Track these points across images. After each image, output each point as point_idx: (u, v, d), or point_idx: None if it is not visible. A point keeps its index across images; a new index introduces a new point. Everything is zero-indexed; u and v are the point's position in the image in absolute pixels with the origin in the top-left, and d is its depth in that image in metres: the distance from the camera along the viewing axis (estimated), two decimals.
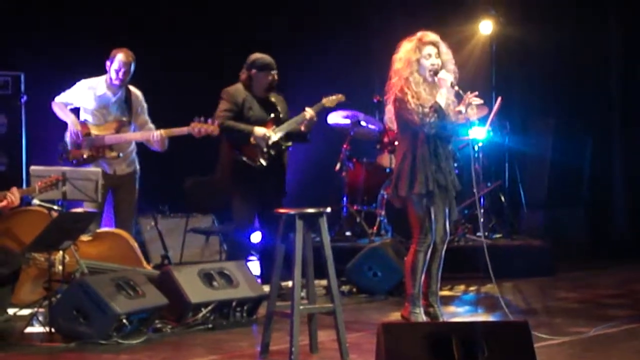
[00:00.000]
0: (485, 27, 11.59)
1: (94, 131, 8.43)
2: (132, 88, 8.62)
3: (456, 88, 6.87)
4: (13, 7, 10.01)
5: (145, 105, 8.67)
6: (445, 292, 8.62)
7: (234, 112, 8.34)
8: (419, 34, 6.96)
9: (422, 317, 6.87)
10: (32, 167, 7.70)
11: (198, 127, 8.21)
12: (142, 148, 8.81)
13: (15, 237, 7.55)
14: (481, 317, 7.83)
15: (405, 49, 6.93)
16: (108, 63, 8.44)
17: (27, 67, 9.75)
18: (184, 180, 9.58)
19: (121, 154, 8.44)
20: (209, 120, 8.22)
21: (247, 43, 9.25)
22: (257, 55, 8.44)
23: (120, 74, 8.42)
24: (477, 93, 6.90)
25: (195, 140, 8.30)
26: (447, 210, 7.00)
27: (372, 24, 11.93)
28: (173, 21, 11.10)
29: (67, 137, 8.42)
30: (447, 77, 6.85)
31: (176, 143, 10.29)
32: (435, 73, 6.87)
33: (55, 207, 7.55)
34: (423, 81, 6.88)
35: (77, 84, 8.54)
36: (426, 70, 6.88)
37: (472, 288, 9.14)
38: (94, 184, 7.66)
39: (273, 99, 8.51)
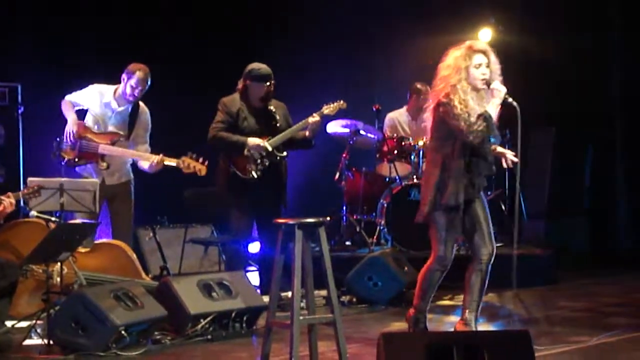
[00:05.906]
0: (485, 35, 11.58)
1: (91, 137, 8.39)
2: (142, 105, 8.58)
3: (510, 100, 6.60)
4: (9, 18, 9.99)
5: (149, 125, 8.61)
6: (445, 302, 8.60)
7: (227, 124, 8.26)
8: (469, 42, 6.67)
9: (424, 321, 6.79)
10: (30, 179, 7.69)
11: (187, 162, 8.21)
12: None
13: (13, 248, 7.54)
14: (482, 326, 7.78)
15: (454, 55, 6.59)
16: (124, 77, 8.37)
17: (24, 78, 9.73)
18: (182, 190, 9.54)
19: (111, 166, 8.39)
20: (200, 159, 8.19)
21: (246, 51, 9.22)
22: (253, 65, 8.33)
23: (137, 92, 8.37)
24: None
25: (194, 151, 8.26)
26: (490, 224, 6.75)
27: (372, 32, 11.91)
28: (170, 33, 11.05)
29: (64, 136, 8.41)
30: (502, 88, 6.57)
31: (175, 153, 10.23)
32: (488, 83, 6.57)
33: (53, 219, 7.53)
34: (471, 90, 6.54)
35: (89, 86, 8.52)
36: (476, 79, 6.55)
37: None
38: (91, 194, 7.64)
39: (272, 108, 8.40)
